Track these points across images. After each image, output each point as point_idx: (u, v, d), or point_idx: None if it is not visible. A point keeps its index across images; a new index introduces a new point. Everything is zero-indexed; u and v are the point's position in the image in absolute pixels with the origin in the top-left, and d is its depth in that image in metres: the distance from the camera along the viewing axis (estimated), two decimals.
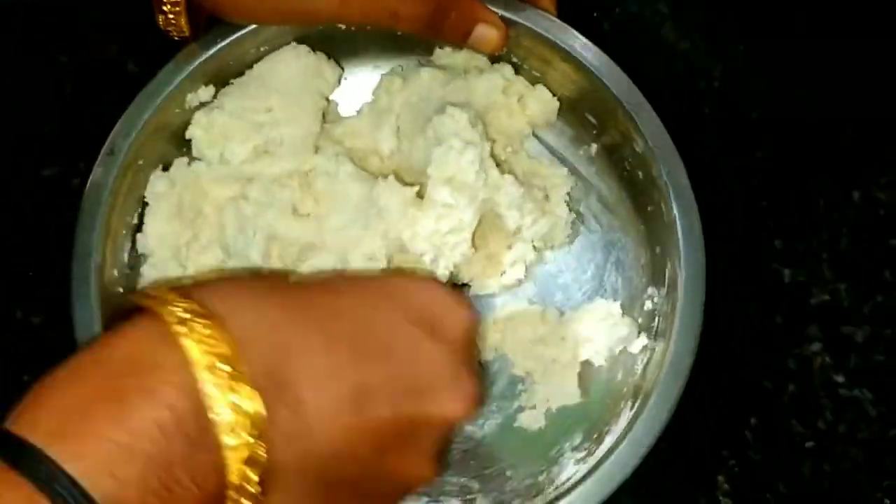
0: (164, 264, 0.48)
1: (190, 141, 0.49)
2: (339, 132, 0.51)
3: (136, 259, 0.48)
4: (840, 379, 0.51)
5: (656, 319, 0.47)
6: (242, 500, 0.30)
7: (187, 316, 0.30)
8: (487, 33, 0.47)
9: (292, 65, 0.50)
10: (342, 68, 0.52)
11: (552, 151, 0.52)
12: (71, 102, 0.55)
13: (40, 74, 0.55)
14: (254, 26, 0.48)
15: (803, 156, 0.54)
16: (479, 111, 0.49)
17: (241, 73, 0.50)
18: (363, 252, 0.46)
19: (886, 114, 0.55)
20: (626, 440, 0.43)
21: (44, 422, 0.28)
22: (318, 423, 0.31)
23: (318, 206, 0.48)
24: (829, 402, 0.50)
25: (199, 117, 0.49)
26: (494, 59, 0.51)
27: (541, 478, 0.47)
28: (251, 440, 0.29)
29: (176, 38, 0.45)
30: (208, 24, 0.47)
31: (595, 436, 0.46)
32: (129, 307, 0.32)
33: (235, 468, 0.29)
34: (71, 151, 0.53)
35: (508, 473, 0.48)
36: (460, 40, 0.47)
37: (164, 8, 0.43)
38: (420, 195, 0.46)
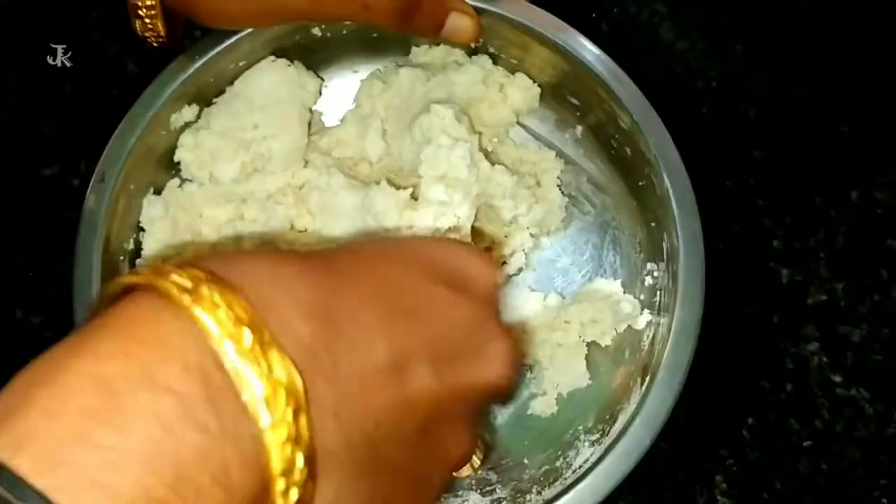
0: None
1: (179, 163, 0.49)
2: (325, 143, 0.51)
3: None
4: (837, 378, 0.51)
5: (658, 294, 0.47)
6: (291, 490, 0.25)
7: (190, 284, 0.25)
8: (460, 22, 0.46)
9: (273, 78, 0.49)
10: (321, 78, 0.52)
11: (538, 138, 0.52)
12: (71, 102, 0.55)
13: (40, 74, 0.55)
14: (231, 41, 0.47)
15: (801, 155, 0.54)
16: (462, 105, 0.49)
17: (222, 90, 0.49)
18: None
19: (884, 114, 0.55)
20: (639, 416, 0.42)
21: (5, 430, 0.22)
22: (359, 394, 0.27)
23: (314, 221, 0.48)
24: (826, 401, 0.50)
25: (186, 138, 0.49)
26: (472, 52, 0.51)
27: (557, 463, 0.47)
28: (290, 415, 0.24)
29: (155, 45, 0.45)
30: (186, 30, 0.47)
31: (608, 416, 0.46)
32: (112, 294, 0.26)
33: (278, 450, 0.24)
34: (71, 151, 0.53)
35: (525, 462, 0.48)
36: (434, 32, 0.46)
37: (140, 13, 0.43)
38: (414, 196, 0.46)
